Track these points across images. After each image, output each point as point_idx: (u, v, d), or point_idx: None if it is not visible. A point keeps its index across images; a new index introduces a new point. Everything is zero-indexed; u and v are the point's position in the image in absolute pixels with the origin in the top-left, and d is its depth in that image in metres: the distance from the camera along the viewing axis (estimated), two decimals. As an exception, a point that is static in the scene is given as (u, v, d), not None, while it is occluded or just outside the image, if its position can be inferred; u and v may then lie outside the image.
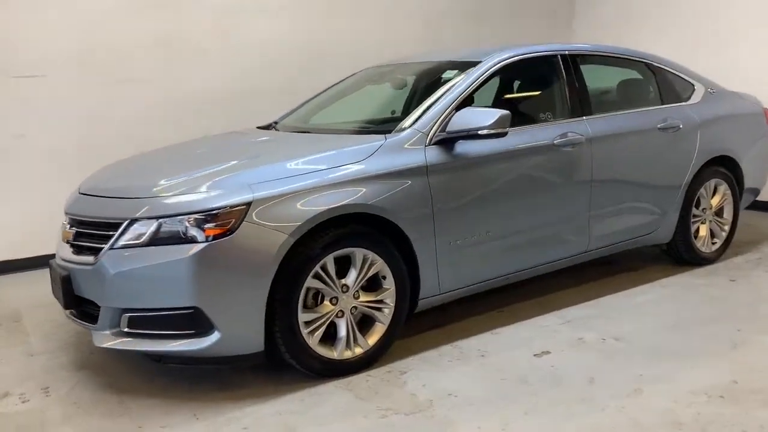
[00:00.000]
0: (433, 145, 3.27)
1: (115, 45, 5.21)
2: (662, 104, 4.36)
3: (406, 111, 3.85)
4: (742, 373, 2.96)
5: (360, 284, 3.06)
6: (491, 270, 3.54)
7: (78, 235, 3.05)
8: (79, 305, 3.04)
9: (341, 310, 3.02)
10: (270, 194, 2.81)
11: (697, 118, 4.41)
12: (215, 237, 2.71)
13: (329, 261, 2.93)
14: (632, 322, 3.61)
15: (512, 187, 3.50)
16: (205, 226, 2.72)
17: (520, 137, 3.55)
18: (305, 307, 2.94)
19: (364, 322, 3.15)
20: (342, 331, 3.03)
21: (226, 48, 5.70)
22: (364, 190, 3.00)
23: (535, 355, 3.23)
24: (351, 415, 2.71)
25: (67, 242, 3.11)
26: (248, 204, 2.75)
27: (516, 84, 4.18)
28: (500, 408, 2.73)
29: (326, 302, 2.99)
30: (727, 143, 4.58)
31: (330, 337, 3.05)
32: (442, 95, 3.43)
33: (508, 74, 3.88)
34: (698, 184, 4.43)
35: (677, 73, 4.56)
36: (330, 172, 2.98)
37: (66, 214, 3.18)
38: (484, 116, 3.19)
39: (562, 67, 3.90)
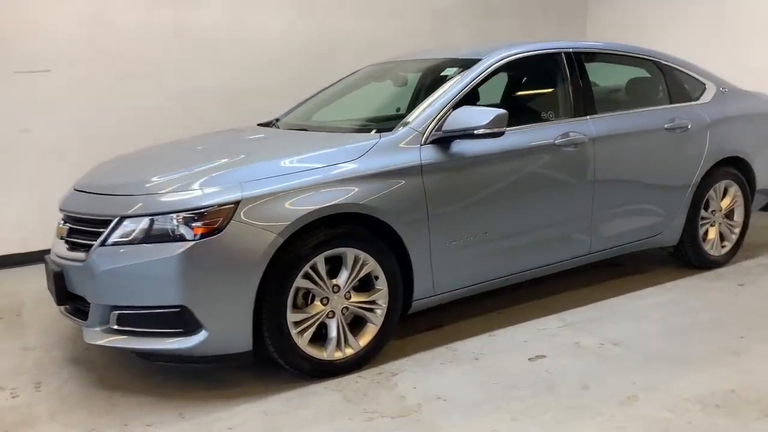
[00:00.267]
0: (428, 144, 3.22)
1: (123, 39, 5.23)
2: (671, 103, 4.27)
3: (410, 109, 3.80)
4: (741, 382, 2.88)
5: (351, 285, 3.02)
6: (489, 271, 3.49)
7: (71, 232, 3.06)
8: (73, 301, 3.04)
9: (332, 311, 2.99)
10: (259, 193, 2.78)
11: (707, 118, 4.31)
12: (203, 236, 2.69)
13: (320, 261, 2.90)
14: (633, 326, 3.54)
15: (511, 188, 3.44)
16: (193, 224, 2.70)
17: (520, 137, 3.49)
18: (295, 307, 2.91)
19: (357, 323, 3.12)
20: (332, 332, 3.00)
21: (236, 43, 5.69)
22: (356, 189, 2.96)
23: (529, 359, 3.18)
24: (336, 417, 2.68)
25: (61, 238, 3.12)
26: (236, 203, 2.73)
27: (517, 82, 4.11)
28: (488, 413, 2.68)
29: (317, 302, 2.96)
30: (739, 144, 4.47)
31: (321, 337, 3.02)
32: (440, 94, 3.37)
33: (509, 72, 3.81)
34: (707, 186, 4.33)
35: (687, 71, 4.46)
36: (322, 171, 2.95)
37: (60, 210, 3.19)
38: (481, 115, 3.14)
39: (565, 65, 3.82)
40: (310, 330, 2.94)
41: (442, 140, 3.24)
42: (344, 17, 6.17)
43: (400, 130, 3.23)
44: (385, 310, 3.11)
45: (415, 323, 3.59)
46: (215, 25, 5.59)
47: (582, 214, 3.75)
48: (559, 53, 3.84)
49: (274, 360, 2.91)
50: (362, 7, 6.26)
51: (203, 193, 2.76)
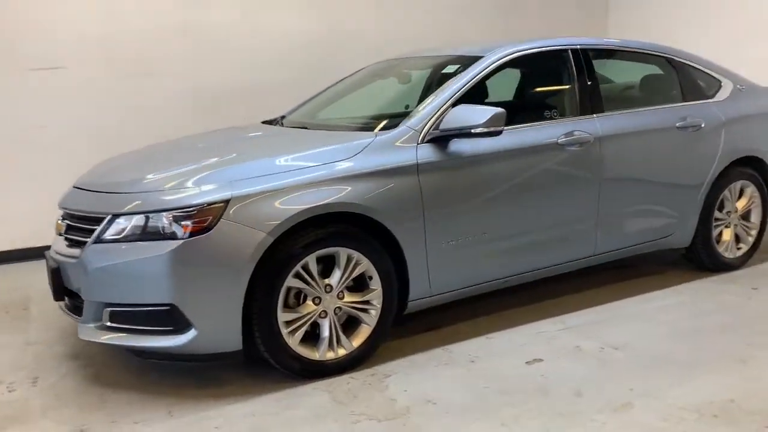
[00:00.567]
0: (426, 143, 3.17)
1: (134, 38, 5.27)
2: (683, 101, 4.15)
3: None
4: (743, 391, 2.79)
5: (345, 284, 3.00)
6: (488, 272, 3.43)
7: (69, 228, 3.08)
8: (70, 298, 3.07)
9: (324, 311, 2.97)
10: (249, 192, 2.77)
11: (722, 116, 4.18)
12: (192, 234, 2.69)
13: (311, 260, 2.88)
14: (636, 331, 3.45)
15: (511, 188, 3.38)
16: (183, 223, 2.70)
17: (522, 135, 3.43)
18: (287, 306, 2.90)
19: (352, 323, 3.10)
20: (325, 332, 2.98)
21: (246, 41, 5.70)
22: (349, 188, 2.93)
23: (526, 362, 3.12)
24: (323, 419, 2.66)
25: (60, 235, 3.15)
26: (226, 202, 2.73)
27: (520, 80, 4.03)
28: (477, 418, 2.63)
29: (309, 302, 2.94)
30: (756, 143, 4.33)
31: (314, 337, 3.00)
32: (438, 92, 3.32)
33: (512, 70, 3.73)
34: (721, 186, 4.20)
35: (702, 68, 4.33)
36: (314, 170, 2.93)
37: (59, 207, 3.22)
38: (478, 114, 3.08)
39: (572, 62, 3.73)
40: (301, 330, 2.92)
41: (440, 139, 3.20)
42: (355, 14, 6.13)
43: (397, 129, 3.18)
44: (380, 311, 3.08)
45: (413, 324, 3.55)
46: (224, 24, 5.60)
47: (587, 215, 3.66)
48: (565, 50, 3.76)
49: (265, 359, 2.90)
50: (373, 4, 6.21)
51: (193, 192, 2.76)
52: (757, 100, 4.44)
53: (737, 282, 4.18)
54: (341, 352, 3.02)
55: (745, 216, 4.43)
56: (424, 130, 3.18)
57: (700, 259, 4.29)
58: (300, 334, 2.92)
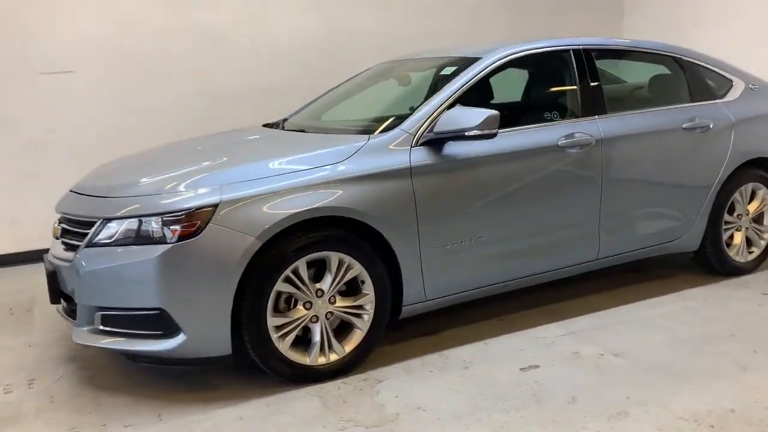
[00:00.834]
0: (420, 146, 3.14)
1: (142, 40, 5.32)
2: (691, 102, 4.05)
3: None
4: (744, 400, 2.70)
5: (336, 289, 2.97)
6: (485, 277, 3.38)
7: (64, 232, 3.10)
8: (67, 301, 3.09)
9: (315, 315, 2.95)
10: (238, 196, 2.76)
11: (732, 117, 4.08)
12: (180, 238, 2.69)
13: (301, 265, 2.86)
14: (639, 336, 3.38)
15: (508, 191, 3.33)
16: (171, 227, 2.70)
17: (519, 138, 3.37)
18: (277, 311, 2.89)
19: (345, 328, 3.07)
20: (316, 337, 2.96)
21: (254, 42, 5.72)
22: (340, 192, 2.91)
23: (522, 369, 3.06)
24: (311, 425, 2.64)
25: (56, 238, 3.18)
26: (215, 206, 2.72)
27: (520, 82, 3.97)
28: (466, 426, 2.59)
29: (299, 306, 2.92)
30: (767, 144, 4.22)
31: (307, 341, 2.99)
32: (433, 94, 3.29)
33: (511, 71, 3.67)
34: (732, 189, 4.10)
35: (712, 67, 4.22)
36: (305, 174, 2.91)
37: (56, 210, 3.25)
38: (472, 116, 3.04)
39: (573, 63, 3.66)
40: (291, 334, 2.90)
41: (435, 142, 3.16)
42: (365, 15, 6.12)
43: (391, 132, 3.15)
44: (372, 316, 3.05)
45: (410, 328, 3.51)
46: (233, 25, 5.62)
47: (588, 219, 3.60)
48: (566, 51, 3.69)
49: (256, 364, 2.89)
50: (384, 4, 6.19)
51: (182, 197, 2.76)
52: (770, 100, 4.32)
53: (748, 287, 4.07)
54: (333, 357, 3.00)
55: (757, 219, 4.31)
56: (418, 133, 3.15)
57: (709, 263, 4.19)
58: (290, 338, 2.90)
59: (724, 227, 4.14)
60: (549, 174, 3.43)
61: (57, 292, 3.07)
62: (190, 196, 2.75)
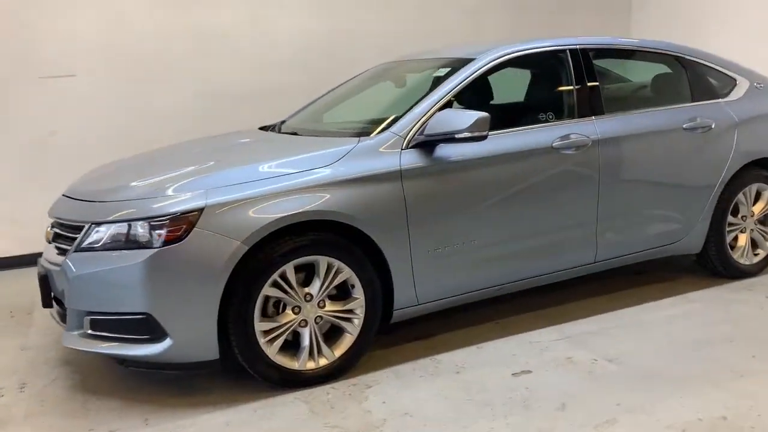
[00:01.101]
0: (410, 148, 3.11)
1: (142, 42, 5.33)
2: (692, 101, 3.98)
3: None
4: (737, 408, 2.65)
5: (325, 293, 2.95)
6: (478, 281, 3.35)
7: (56, 236, 3.12)
8: (59, 305, 3.11)
9: (304, 320, 2.93)
10: (224, 200, 2.75)
11: (735, 117, 4.00)
12: (166, 243, 2.68)
13: (289, 269, 2.85)
14: (636, 341, 3.32)
15: (501, 193, 3.29)
16: (156, 232, 2.70)
17: (513, 139, 3.33)
18: (266, 315, 2.87)
19: (336, 332, 3.05)
20: (305, 341, 2.95)
21: (255, 43, 5.71)
22: (328, 196, 2.89)
23: (513, 374, 3.03)
24: (296, 431, 2.62)
25: (49, 242, 3.19)
26: (200, 210, 2.71)
27: (515, 82, 3.92)
28: (451, 432, 2.56)
29: (288, 311, 2.91)
30: (773, 144, 4.13)
31: (296, 346, 2.97)
32: (424, 96, 3.26)
33: (506, 72, 3.62)
34: (735, 190, 4.02)
35: (715, 66, 4.14)
36: (293, 177, 2.89)
37: (48, 215, 3.26)
38: (463, 118, 3.01)
39: (570, 63, 3.61)
40: (280, 339, 2.89)
41: (426, 144, 3.13)
42: (366, 15, 6.09)
43: (381, 135, 3.13)
44: (362, 320, 3.03)
45: (403, 332, 3.49)
46: (234, 26, 5.62)
47: (585, 221, 3.54)
48: (563, 50, 3.64)
49: (244, 368, 2.88)
50: (384, 5, 6.16)
51: (167, 201, 2.75)
52: (776, 99, 4.23)
53: (752, 290, 3.99)
54: (322, 361, 2.98)
55: (763, 221, 4.23)
56: (408, 136, 3.12)
57: (713, 265, 4.12)
58: (279, 343, 2.89)
59: (727, 229, 4.06)
60: (544, 176, 3.38)
61: (49, 295, 3.09)
62: (175, 201, 2.75)
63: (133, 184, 3.01)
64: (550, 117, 3.52)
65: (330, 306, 2.99)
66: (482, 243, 3.27)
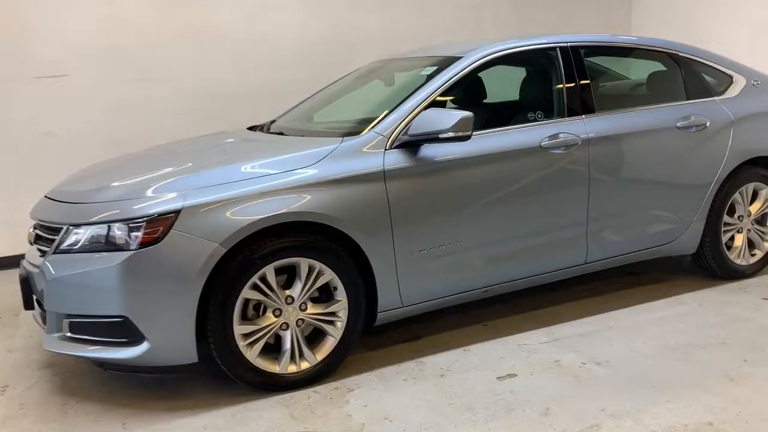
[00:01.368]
0: (394, 148, 3.06)
1: (139, 41, 5.31)
2: (687, 99, 3.90)
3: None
4: (724, 414, 2.58)
5: (307, 296, 2.91)
6: (465, 282, 3.29)
7: (37, 238, 3.09)
8: (40, 307, 3.08)
9: (285, 323, 2.89)
10: (202, 202, 2.71)
11: (731, 115, 3.92)
12: (142, 245, 2.65)
13: (269, 271, 2.80)
14: (626, 344, 3.26)
15: (488, 194, 3.23)
16: (133, 234, 2.66)
17: (500, 139, 3.28)
18: (246, 318, 2.83)
19: (318, 335, 3.01)
20: (286, 345, 2.91)
21: (253, 42, 5.67)
22: (309, 197, 2.85)
23: (498, 377, 2.97)
24: (273, 436, 2.59)
25: (31, 244, 3.16)
26: (177, 212, 2.67)
27: (502, 81, 3.86)
28: (431, 438, 2.51)
29: (269, 314, 2.87)
30: (769, 142, 4.05)
31: (278, 349, 2.93)
32: (409, 95, 3.21)
33: (494, 70, 3.57)
34: (731, 189, 3.94)
35: (711, 63, 4.07)
36: (273, 178, 2.85)
37: (30, 216, 3.24)
38: (446, 118, 2.95)
39: (560, 61, 3.55)
40: (260, 342, 2.85)
41: (410, 144, 3.08)
42: (364, 13, 6.04)
43: (364, 135, 3.08)
44: (345, 323, 2.98)
45: (391, 334, 3.45)
46: (232, 25, 5.59)
47: (575, 221, 3.48)
48: (553, 48, 3.58)
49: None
50: (384, 3, 6.11)
51: (145, 203, 2.72)
52: (774, 97, 4.15)
53: (748, 291, 3.92)
54: (304, 365, 2.93)
55: (761, 220, 4.15)
56: (392, 136, 3.07)
57: (708, 266, 4.05)
58: (259, 346, 2.85)
59: (723, 229, 3.99)
60: (532, 175, 3.32)
61: (31, 297, 3.06)
62: (152, 203, 2.71)
63: (112, 185, 2.98)
64: (539, 116, 3.46)
65: (312, 309, 2.94)
66: (469, 244, 3.22)
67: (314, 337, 3.00)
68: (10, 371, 3.28)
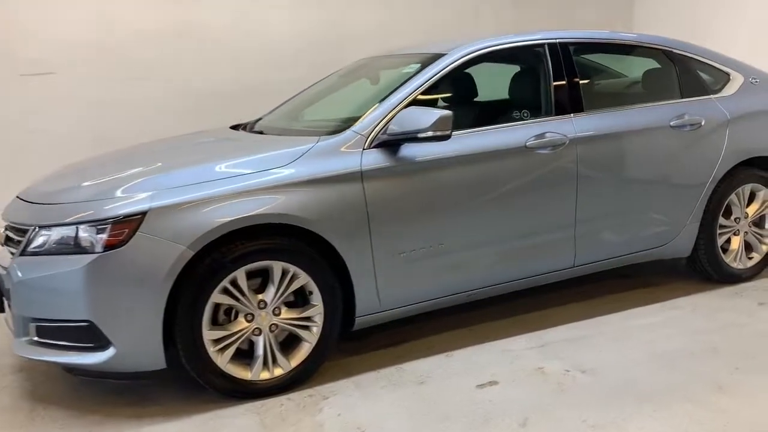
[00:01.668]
0: (373, 148, 2.97)
1: (128, 40, 5.25)
2: (681, 98, 3.78)
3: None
4: (710, 425, 2.48)
5: (281, 300, 2.82)
6: (448, 286, 3.20)
7: (7, 240, 3.01)
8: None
9: (258, 328, 2.80)
10: (170, 203, 2.63)
11: (727, 113, 3.80)
12: (107, 248, 2.57)
13: (240, 275, 2.72)
14: (614, 350, 3.15)
15: (471, 195, 3.13)
16: (99, 236, 2.58)
17: (483, 139, 3.18)
18: (217, 323, 2.75)
19: (294, 341, 2.92)
20: (259, 350, 2.82)
21: (244, 40, 5.62)
22: (282, 198, 2.76)
23: (479, 385, 2.87)
24: (241, 445, 2.50)
25: (2, 245, 3.09)
26: (143, 213, 2.59)
27: (487, 79, 3.75)
28: (403, 449, 2.42)
29: (240, 319, 2.78)
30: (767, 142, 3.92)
31: (252, 355, 2.84)
32: (389, 94, 3.11)
33: (478, 68, 3.47)
34: (727, 190, 3.82)
35: (707, 61, 3.95)
36: (245, 179, 2.76)
37: (1, 217, 3.16)
38: (425, 117, 2.86)
39: (548, 58, 3.44)
40: (231, 348, 2.76)
41: (390, 144, 2.98)
42: (358, 10, 5.95)
43: (342, 134, 2.99)
44: (321, 328, 2.89)
45: (374, 338, 3.35)
46: (221, 23, 5.52)
47: (562, 224, 3.38)
48: (540, 45, 3.47)
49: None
50: (380, 0, 6.02)
51: (111, 204, 2.64)
52: (772, 95, 4.02)
53: (744, 296, 3.80)
54: (278, 371, 2.85)
55: (759, 223, 4.03)
56: (371, 135, 2.97)
57: (704, 269, 3.93)
58: (230, 352, 2.76)
59: (719, 231, 3.87)
60: (516, 176, 3.22)
61: (2, 300, 2.98)
62: (119, 204, 2.63)
63: (82, 185, 2.91)
64: (525, 115, 3.36)
65: (286, 313, 2.85)
66: (451, 247, 3.12)
67: (289, 342, 2.91)
68: (-19, 375, 3.21)
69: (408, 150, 3.00)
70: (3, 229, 3.12)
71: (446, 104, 3.67)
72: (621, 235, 3.57)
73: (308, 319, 2.89)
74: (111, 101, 5.26)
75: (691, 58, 3.90)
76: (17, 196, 3.18)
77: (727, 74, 3.99)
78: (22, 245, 2.76)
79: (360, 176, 2.90)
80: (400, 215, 2.99)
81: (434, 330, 3.46)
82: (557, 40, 3.50)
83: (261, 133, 3.52)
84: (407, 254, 3.03)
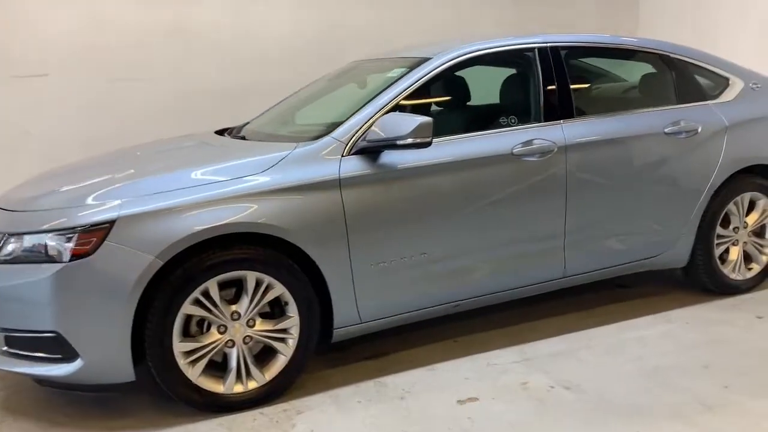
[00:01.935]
0: (352, 155, 2.88)
1: (122, 40, 5.19)
2: (678, 103, 3.67)
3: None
4: (696, 448, 2.37)
5: (255, 311, 2.74)
6: (431, 297, 3.11)
7: (-18, 247, 2.96)
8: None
9: (231, 340, 2.73)
10: (139, 211, 2.56)
11: (725, 120, 3.68)
12: (74, 257, 2.50)
13: (212, 285, 2.64)
14: (601, 365, 3.05)
15: (454, 203, 3.04)
16: (66, 245, 2.52)
17: (466, 145, 3.08)
18: (188, 335, 2.68)
19: (269, 353, 2.84)
20: (232, 363, 2.74)
21: (239, 41, 5.53)
22: (255, 206, 2.68)
23: (459, 401, 2.78)
24: (208, 462, 2.43)
25: (-22, 253, 3.04)
26: (111, 222, 2.52)
27: (473, 84, 3.65)
28: (373, 469, 2.34)
29: (213, 330, 2.71)
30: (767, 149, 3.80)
31: (226, 367, 2.77)
32: (371, 99, 3.03)
33: (464, 73, 3.38)
34: (725, 199, 3.71)
35: (706, 65, 3.83)
36: (217, 187, 2.68)
37: (-24, 224, 3.11)
38: (405, 123, 2.77)
39: (538, 62, 3.34)
40: (203, 360, 2.69)
41: (370, 151, 2.90)
42: (355, 10, 5.86)
43: (320, 141, 2.91)
44: (297, 340, 2.81)
45: (357, 350, 3.27)
46: (216, 23, 5.45)
47: (551, 233, 3.28)
48: (530, 49, 3.37)
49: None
50: (377, 0, 5.93)
51: (80, 212, 2.57)
52: (773, 101, 3.90)
53: (742, 308, 3.68)
54: (252, 385, 2.77)
55: (759, 233, 3.90)
56: (351, 141, 2.89)
57: (700, 280, 3.81)
58: (202, 365, 2.69)
59: (717, 241, 3.75)
60: (501, 184, 3.13)
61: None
62: (87, 212, 2.56)
63: (54, 192, 2.84)
64: (513, 121, 3.26)
65: (261, 325, 2.78)
66: (434, 257, 3.03)
67: (264, 355, 2.84)
68: (-44, 384, 3.16)
69: (389, 157, 2.92)
70: (-22, 236, 3.07)
71: (434, 109, 3.59)
72: (613, 245, 3.47)
73: (284, 330, 2.81)
74: (105, 102, 5.20)
75: (689, 62, 3.79)
76: (-7, 203, 3.12)
77: (726, 79, 3.87)
78: (-9, 253, 2.70)
79: (338, 184, 2.82)
80: (381, 224, 2.90)
81: (419, 341, 3.37)
82: (548, 44, 3.39)
83: (244, 138, 3.44)
84: (387, 264, 2.94)
